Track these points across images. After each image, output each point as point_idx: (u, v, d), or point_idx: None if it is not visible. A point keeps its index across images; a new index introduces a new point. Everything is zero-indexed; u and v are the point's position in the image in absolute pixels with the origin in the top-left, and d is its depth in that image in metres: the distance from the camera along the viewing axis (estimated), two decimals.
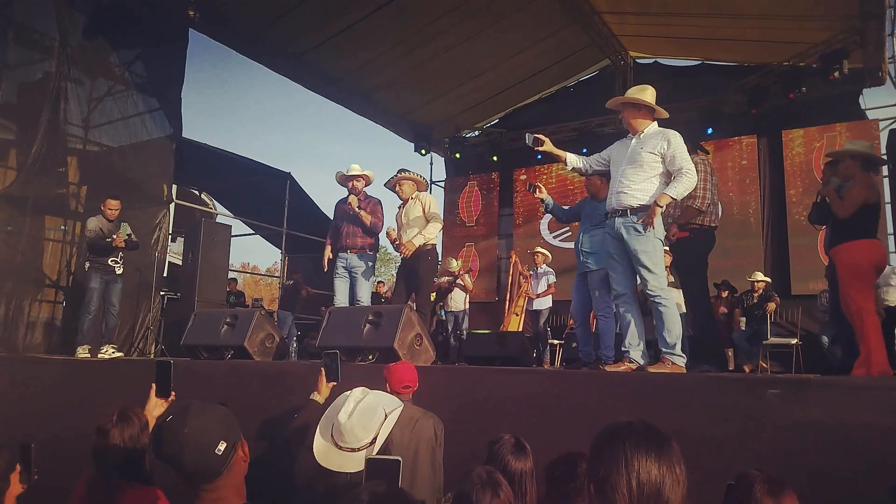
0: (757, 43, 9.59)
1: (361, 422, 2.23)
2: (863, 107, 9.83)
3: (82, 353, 6.36)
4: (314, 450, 2.25)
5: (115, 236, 6.51)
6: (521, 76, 11.55)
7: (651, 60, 11.42)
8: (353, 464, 2.19)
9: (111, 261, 6.60)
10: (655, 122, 4.06)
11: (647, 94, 4.05)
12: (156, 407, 2.58)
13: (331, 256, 6.04)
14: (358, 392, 2.31)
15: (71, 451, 3.54)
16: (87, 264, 6.57)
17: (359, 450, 2.21)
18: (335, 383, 3.03)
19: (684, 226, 4.48)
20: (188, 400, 1.66)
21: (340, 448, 2.23)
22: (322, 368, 3.07)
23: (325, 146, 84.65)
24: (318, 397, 3.04)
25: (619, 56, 11.24)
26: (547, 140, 4.32)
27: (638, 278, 4.00)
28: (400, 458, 1.88)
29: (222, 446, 1.59)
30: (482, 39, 9.98)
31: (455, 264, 9.75)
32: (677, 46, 10.74)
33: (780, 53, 9.54)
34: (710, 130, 10.50)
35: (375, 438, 2.25)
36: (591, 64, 11.81)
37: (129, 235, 6.66)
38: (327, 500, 2.42)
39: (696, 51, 10.72)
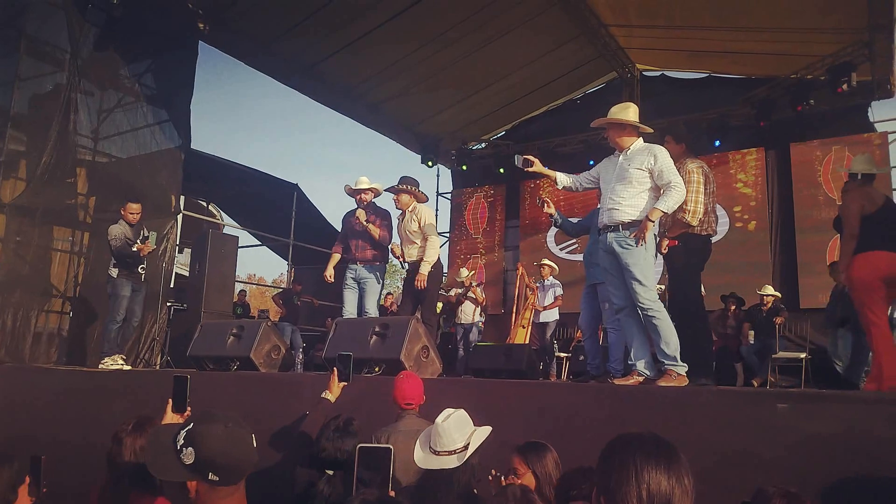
0: (764, 55, 9.59)
1: (457, 425, 2.53)
2: (871, 119, 9.81)
3: (112, 363, 6.16)
4: (415, 457, 2.56)
5: (140, 243, 6.37)
6: (528, 88, 11.58)
7: (658, 73, 11.43)
8: (449, 464, 2.51)
9: (140, 268, 6.51)
10: (640, 139, 4.10)
11: (630, 112, 4.07)
12: (171, 422, 2.53)
13: (331, 273, 6.05)
14: (451, 409, 2.62)
15: (78, 461, 3.54)
16: (116, 272, 6.34)
17: (453, 453, 2.50)
18: (346, 383, 3.24)
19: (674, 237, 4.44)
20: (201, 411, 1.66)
21: (437, 453, 2.51)
22: (334, 368, 3.25)
23: (334, 156, 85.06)
24: (330, 396, 3.20)
25: (626, 69, 11.26)
26: (536, 161, 4.40)
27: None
28: (391, 447, 2.00)
29: (254, 441, 1.63)
30: (489, 52, 10.02)
31: (465, 273, 9.74)
32: (684, 59, 10.75)
33: (788, 66, 9.53)
34: (717, 143, 10.50)
35: (468, 445, 2.53)
36: (598, 76, 11.84)
37: (154, 244, 6.59)
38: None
39: (703, 63, 10.73)
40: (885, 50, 8.41)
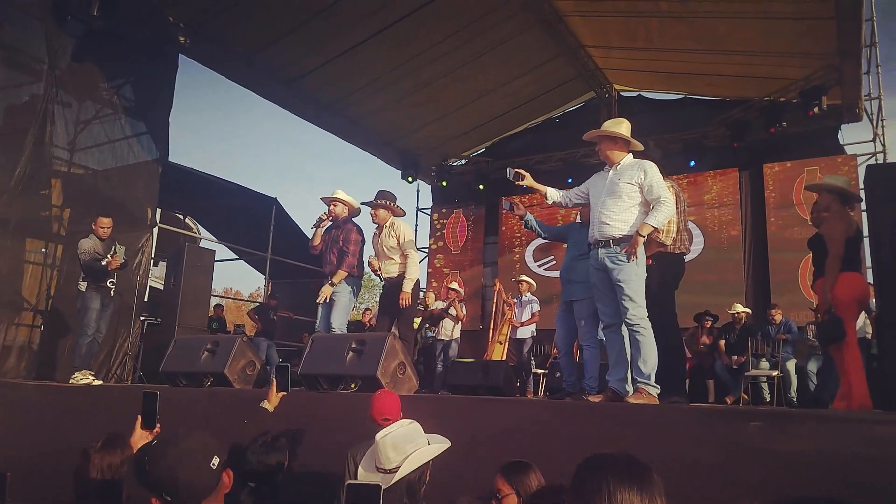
0: (739, 78, 9.79)
1: (395, 442, 2.39)
2: (841, 142, 10.04)
3: (82, 378, 6.13)
4: (358, 476, 2.41)
5: (109, 257, 6.38)
6: (507, 106, 11.68)
7: (635, 93, 11.60)
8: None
9: (109, 282, 6.51)
10: (631, 154, 4.18)
11: (623, 127, 4.16)
12: (141, 439, 2.50)
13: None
14: (405, 421, 2.47)
15: (45, 479, 3.46)
16: (85, 285, 6.35)
17: (390, 472, 2.36)
18: (284, 393, 3.19)
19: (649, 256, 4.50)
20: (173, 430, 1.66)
21: (377, 469, 2.39)
22: (273, 378, 3.23)
23: (314, 170, 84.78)
24: (268, 406, 3.18)
25: (604, 89, 11.42)
26: (527, 175, 4.42)
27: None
28: (380, 483, 1.92)
29: (216, 461, 1.61)
30: (470, 70, 10.11)
31: (455, 285, 9.64)
32: (661, 80, 10.93)
33: (762, 88, 9.75)
34: (692, 163, 10.69)
35: (399, 468, 2.37)
36: (576, 96, 11.98)
37: (124, 259, 6.58)
38: None
39: (679, 85, 10.92)
40: (853, 75, 8.64)
